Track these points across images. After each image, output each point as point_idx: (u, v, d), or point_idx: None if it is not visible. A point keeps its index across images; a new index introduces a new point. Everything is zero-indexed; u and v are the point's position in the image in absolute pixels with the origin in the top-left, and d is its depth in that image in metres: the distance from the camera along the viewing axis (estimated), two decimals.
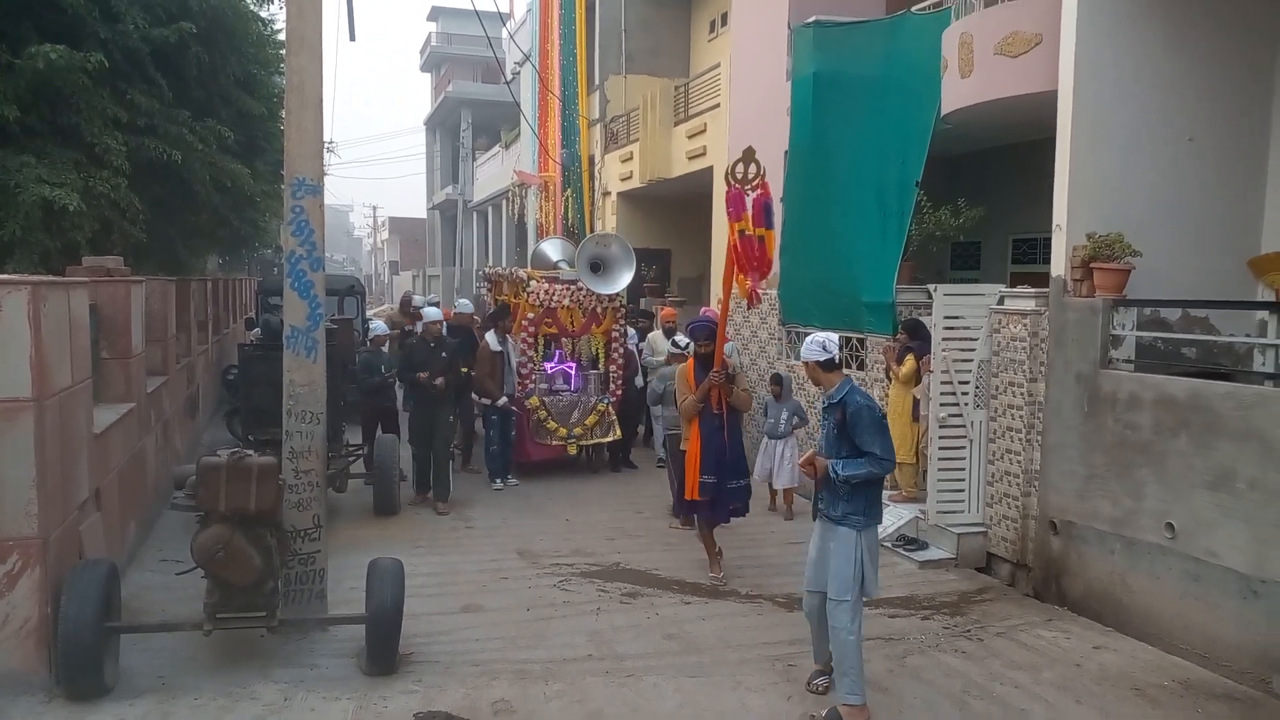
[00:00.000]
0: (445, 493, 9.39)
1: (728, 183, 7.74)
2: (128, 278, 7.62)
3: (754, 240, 9.27)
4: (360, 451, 9.93)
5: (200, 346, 12.67)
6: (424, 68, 47.67)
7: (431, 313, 9.84)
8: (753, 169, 9.24)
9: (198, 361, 12.30)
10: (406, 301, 15.57)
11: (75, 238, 8.80)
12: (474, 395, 10.35)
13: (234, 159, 11.82)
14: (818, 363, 5.22)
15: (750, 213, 8.81)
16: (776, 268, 11.00)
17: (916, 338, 8.52)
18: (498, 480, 10.36)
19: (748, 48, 12.47)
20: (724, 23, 16.65)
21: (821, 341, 5.21)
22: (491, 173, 32.43)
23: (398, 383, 10.14)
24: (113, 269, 7.52)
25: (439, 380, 9.16)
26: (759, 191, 8.33)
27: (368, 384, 9.98)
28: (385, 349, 11.17)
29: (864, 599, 5.13)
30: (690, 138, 14.94)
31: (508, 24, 22.44)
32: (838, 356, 5.25)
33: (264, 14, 13.11)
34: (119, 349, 7.35)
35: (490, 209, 33.45)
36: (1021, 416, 7.17)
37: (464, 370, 9.81)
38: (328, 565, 6.00)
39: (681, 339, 10.84)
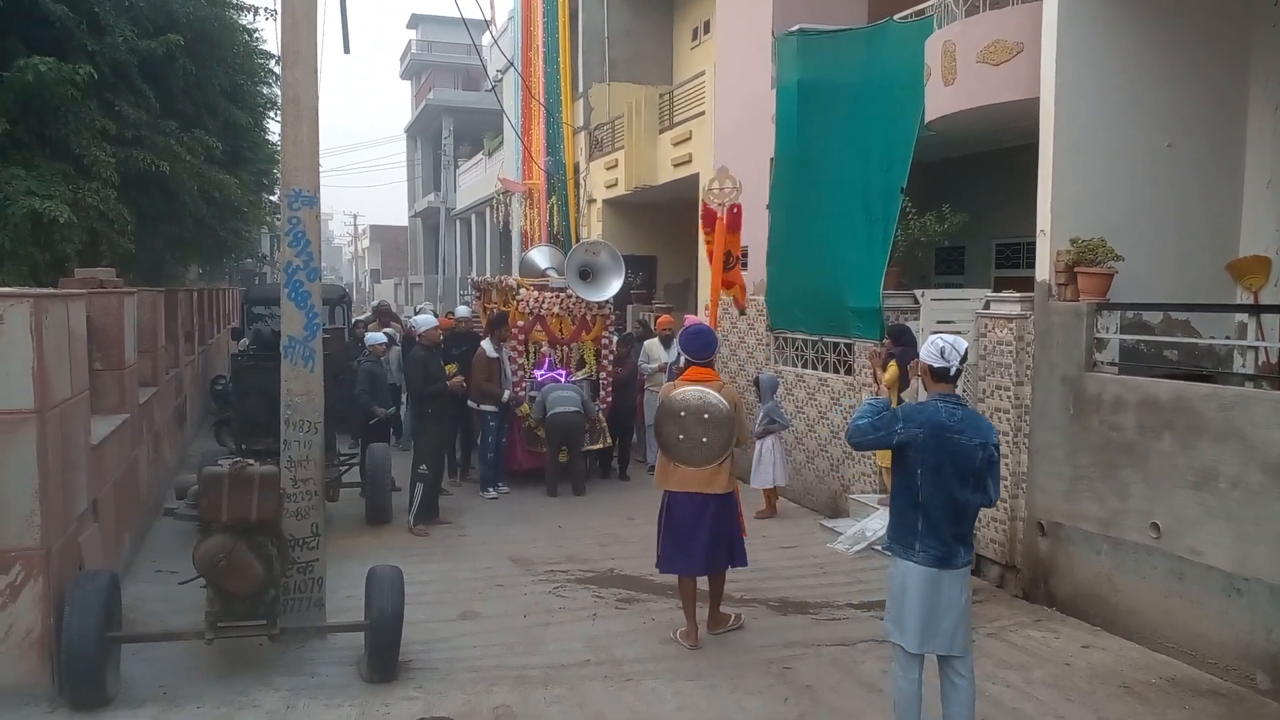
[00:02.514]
0: (436, 511, 9.24)
1: (705, 202, 7.82)
2: (120, 289, 7.64)
3: (720, 254, 9.56)
4: (353, 460, 9.95)
5: (188, 356, 12.66)
6: (404, 75, 47.72)
7: (425, 320, 9.76)
8: (729, 184, 9.42)
9: (185, 372, 12.29)
10: (385, 311, 15.44)
11: (64, 249, 8.82)
12: (469, 402, 10.26)
13: (220, 169, 11.86)
14: (929, 368, 4.55)
15: (721, 225, 9.04)
16: (764, 275, 11.15)
17: (900, 343, 8.62)
18: (489, 489, 10.39)
19: (732, 56, 12.59)
20: (707, 30, 16.78)
21: (941, 347, 4.50)
22: (474, 180, 32.47)
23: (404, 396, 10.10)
24: (105, 280, 7.54)
25: (460, 383, 9.19)
26: (734, 208, 8.52)
27: (377, 397, 9.97)
28: (385, 358, 11.19)
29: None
30: (675, 145, 15.04)
31: (490, 31, 22.48)
32: (954, 368, 4.47)
33: (249, 25, 13.16)
34: (112, 360, 7.36)
35: (473, 216, 33.48)
36: (1008, 419, 7.29)
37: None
38: (325, 574, 6.04)
39: (675, 353, 10.94)
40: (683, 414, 5.97)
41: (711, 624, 6.34)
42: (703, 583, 6.35)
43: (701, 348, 6.26)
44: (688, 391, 6.02)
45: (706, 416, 5.98)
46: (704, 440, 5.98)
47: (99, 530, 6.19)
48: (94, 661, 4.80)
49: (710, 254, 10.32)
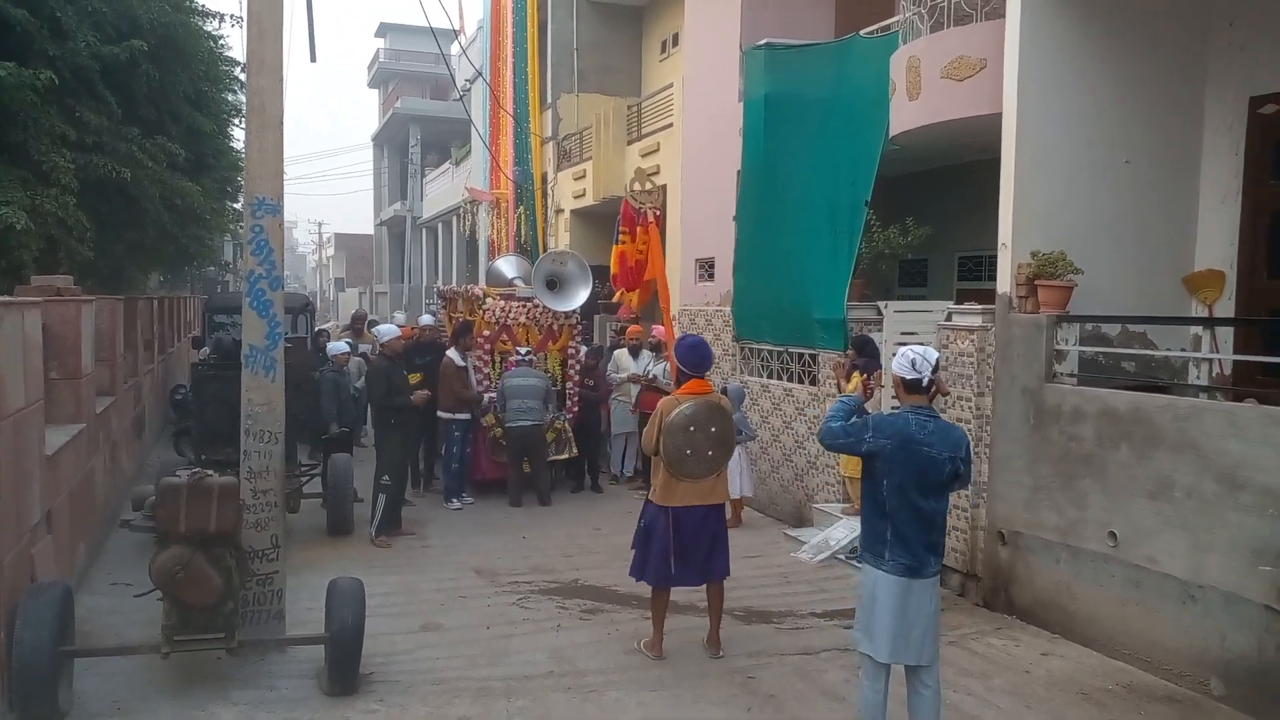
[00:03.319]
0: (399, 522, 9.15)
1: (628, 200, 7.90)
2: (78, 297, 7.52)
3: (628, 256, 9.72)
4: (314, 471, 9.84)
5: (147, 366, 12.48)
6: (371, 84, 47.49)
7: (388, 330, 9.66)
8: (649, 185, 9.47)
9: (144, 381, 12.12)
10: (361, 318, 15.40)
11: (21, 256, 8.68)
12: (439, 412, 10.14)
13: (183, 176, 11.73)
14: (901, 379, 4.54)
15: (653, 229, 9.13)
16: (730, 286, 11.20)
17: (864, 355, 8.70)
18: (454, 500, 10.31)
19: (700, 69, 12.66)
20: (675, 43, 16.87)
21: (912, 359, 4.49)
22: (441, 189, 32.35)
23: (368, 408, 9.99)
24: (62, 288, 7.43)
25: (424, 396, 9.12)
26: (656, 211, 8.65)
27: (341, 408, 9.89)
28: (347, 368, 11.10)
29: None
30: (644, 156, 15.08)
31: (458, 40, 22.45)
32: (925, 379, 4.48)
33: (214, 31, 13.05)
34: (69, 369, 7.24)
35: (440, 225, 33.36)
36: (970, 430, 7.36)
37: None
38: (285, 586, 5.97)
39: (654, 368, 10.93)
40: (692, 429, 5.87)
41: (714, 646, 6.18)
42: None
43: (700, 361, 6.13)
44: (693, 406, 5.91)
45: (714, 430, 5.95)
46: (709, 454, 5.96)
47: (53, 542, 6.08)
48: (46, 676, 4.69)
49: (620, 253, 10.54)
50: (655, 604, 6.21)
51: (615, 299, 11.95)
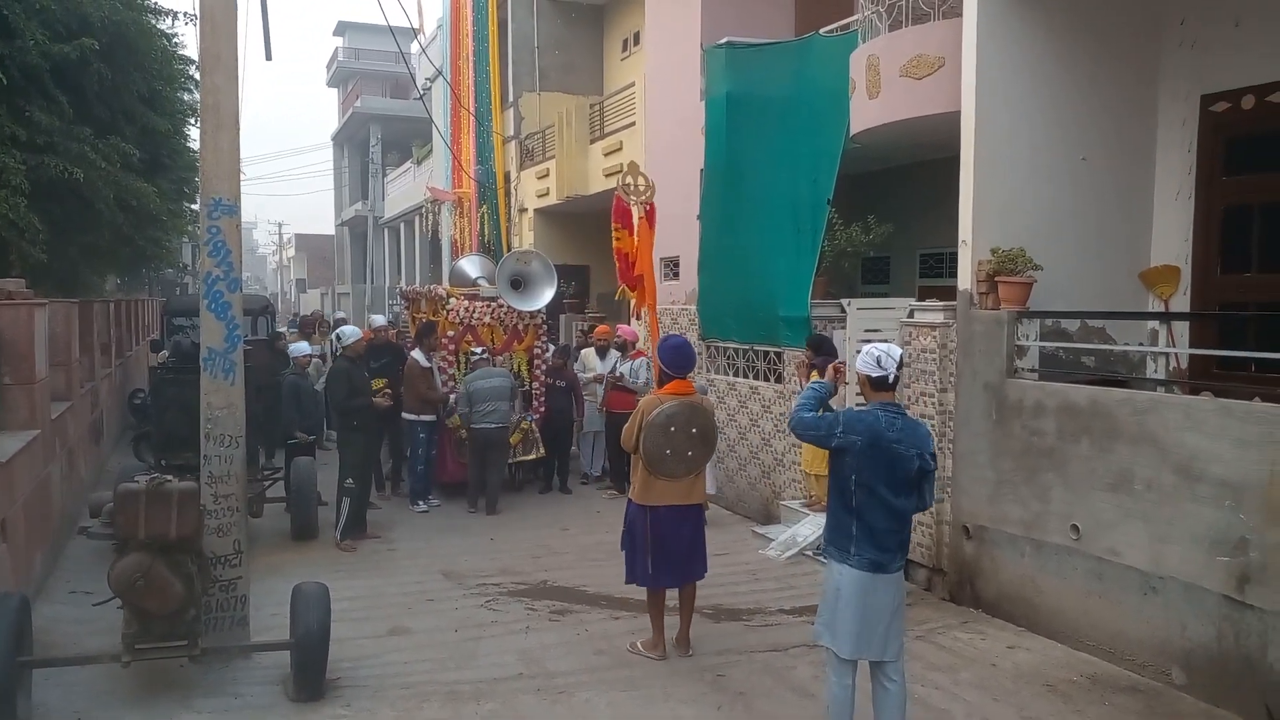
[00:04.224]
0: (365, 525, 9.06)
1: (619, 194, 7.85)
2: (31, 300, 7.37)
3: (627, 253, 9.67)
4: (277, 475, 9.72)
5: (104, 370, 12.27)
6: (331, 82, 46.98)
7: (351, 331, 9.56)
8: (641, 181, 9.36)
9: (102, 385, 11.90)
10: (312, 321, 15.16)
11: None
12: (404, 414, 10.05)
13: (138, 177, 11.53)
14: (867, 378, 4.56)
15: (644, 224, 9.04)
16: (694, 284, 11.22)
17: (821, 353, 8.75)
18: (420, 502, 10.22)
19: (661, 67, 12.66)
20: (637, 42, 16.85)
21: (878, 356, 4.52)
22: (403, 189, 32.10)
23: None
24: (14, 291, 7.27)
25: (388, 397, 9.03)
26: (650, 206, 8.53)
27: (302, 411, 9.79)
28: (309, 370, 10.96)
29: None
30: (607, 155, 15.07)
31: (418, 39, 22.27)
32: (892, 375, 4.53)
33: (168, 30, 12.83)
34: (22, 374, 7.09)
35: (402, 225, 33.11)
36: (933, 425, 7.42)
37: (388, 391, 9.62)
38: (249, 591, 5.89)
39: (621, 366, 10.89)
40: (673, 429, 5.87)
41: (683, 645, 6.19)
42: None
43: (683, 362, 6.12)
44: (675, 406, 5.91)
45: (695, 431, 5.96)
46: (689, 454, 5.96)
47: (8, 550, 5.96)
48: (4, 687, 4.62)
49: (618, 251, 10.47)
50: (653, 605, 6.19)
51: (617, 296, 11.88)
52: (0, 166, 8.71)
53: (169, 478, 5.19)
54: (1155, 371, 7.57)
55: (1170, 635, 5.64)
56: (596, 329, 12.26)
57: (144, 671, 5.46)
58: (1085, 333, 7.38)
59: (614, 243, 10.50)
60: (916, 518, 7.46)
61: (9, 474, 6.16)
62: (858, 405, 4.86)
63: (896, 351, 4.55)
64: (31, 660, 4.98)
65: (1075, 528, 6.25)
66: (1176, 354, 7.45)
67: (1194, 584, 5.48)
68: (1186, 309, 7.43)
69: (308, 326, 14.65)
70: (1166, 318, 7.47)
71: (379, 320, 11.54)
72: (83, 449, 9.90)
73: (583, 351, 11.95)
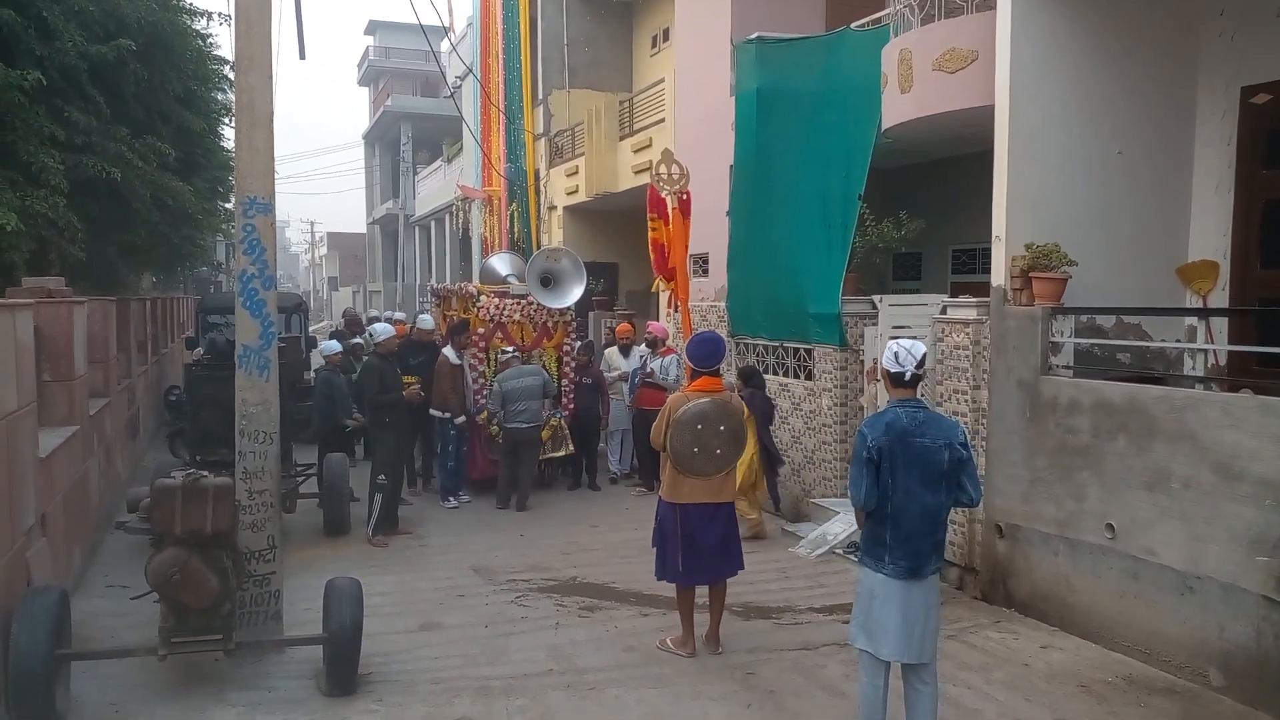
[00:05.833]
0: (396, 521, 9.11)
1: (654, 185, 7.81)
2: (70, 298, 7.48)
3: (664, 244, 9.60)
4: (310, 471, 9.81)
5: (140, 367, 12.44)
6: (362, 82, 47.33)
7: (383, 329, 9.63)
8: (675, 170, 9.24)
9: (138, 382, 12.07)
10: (354, 320, 15.33)
11: (12, 258, 8.63)
12: (431, 410, 10.08)
13: (174, 176, 11.67)
14: (887, 373, 4.53)
15: (677, 214, 8.96)
16: (724, 280, 11.19)
17: (750, 385, 8.81)
18: (450, 498, 10.29)
19: (691, 63, 12.63)
20: (666, 38, 16.83)
21: (895, 351, 4.47)
22: (434, 187, 32.27)
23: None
24: (54, 290, 7.38)
25: (418, 393, 9.05)
26: (685, 195, 8.44)
27: (339, 407, 9.85)
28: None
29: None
30: (636, 152, 15.06)
31: (449, 37, 22.37)
32: (909, 373, 4.45)
33: (203, 30, 12.99)
34: (62, 371, 7.21)
35: (433, 223, 33.28)
36: (966, 423, 7.36)
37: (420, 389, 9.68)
38: (282, 586, 5.95)
39: (652, 364, 10.87)
40: (700, 426, 5.85)
41: (713, 643, 6.17)
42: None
43: (710, 357, 6.05)
44: (704, 403, 5.89)
45: (723, 428, 5.93)
46: (718, 452, 5.94)
47: (48, 545, 6.05)
48: (43, 680, 4.68)
49: (654, 242, 10.43)
50: (683, 603, 6.17)
51: (653, 289, 11.85)
52: (40, 166, 8.84)
53: (205, 473, 5.25)
54: (1193, 368, 7.45)
55: (1207, 636, 5.55)
56: (619, 327, 12.24)
57: (179, 665, 5.52)
58: (1121, 329, 7.28)
59: (649, 233, 10.47)
60: (949, 517, 7.45)
61: (48, 469, 6.26)
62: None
63: (919, 349, 4.48)
64: (70, 653, 5.04)
65: (1110, 526, 6.16)
66: (1215, 350, 7.33)
67: (1232, 584, 5.39)
68: (1225, 304, 7.31)
69: (354, 324, 14.77)
70: (1204, 313, 7.35)
71: (426, 321, 11.48)
72: (120, 445, 10.05)
73: (606, 351, 11.96)
